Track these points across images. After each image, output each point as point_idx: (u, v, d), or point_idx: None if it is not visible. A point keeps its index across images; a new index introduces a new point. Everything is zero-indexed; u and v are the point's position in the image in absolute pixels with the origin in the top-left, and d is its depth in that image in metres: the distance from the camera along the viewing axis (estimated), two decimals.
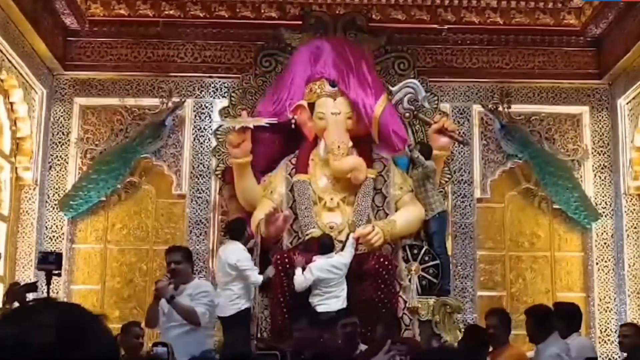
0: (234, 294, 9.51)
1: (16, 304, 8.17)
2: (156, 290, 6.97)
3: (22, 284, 8.45)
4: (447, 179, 11.74)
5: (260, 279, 9.61)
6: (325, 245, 9.95)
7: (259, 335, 9.88)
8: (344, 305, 9.50)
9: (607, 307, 11.92)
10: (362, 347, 8.36)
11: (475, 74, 12.53)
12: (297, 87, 11.12)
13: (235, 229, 10.08)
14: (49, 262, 6.41)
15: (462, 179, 12.16)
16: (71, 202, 11.92)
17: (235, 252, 9.70)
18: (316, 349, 7.00)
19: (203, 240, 11.83)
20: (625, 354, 7.90)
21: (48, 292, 6.54)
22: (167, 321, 7.00)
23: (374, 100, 10.92)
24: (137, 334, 8.00)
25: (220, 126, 11.72)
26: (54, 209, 11.97)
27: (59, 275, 6.60)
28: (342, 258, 9.85)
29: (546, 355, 6.66)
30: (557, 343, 6.76)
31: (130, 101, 12.34)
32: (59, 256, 6.52)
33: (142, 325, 7.81)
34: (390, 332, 7.18)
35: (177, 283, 6.99)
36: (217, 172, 11.73)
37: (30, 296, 8.82)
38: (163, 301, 7.09)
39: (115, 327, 9.56)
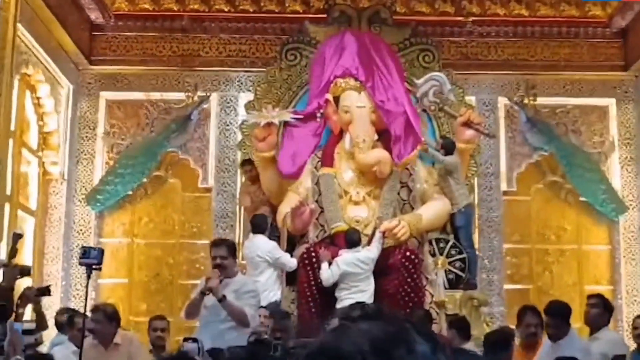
0: (263, 286, 9.63)
1: (29, 308, 8.25)
2: (209, 289, 6.90)
3: (35, 288, 8.50)
4: (473, 172, 11.71)
5: (294, 262, 9.97)
6: (352, 239, 9.96)
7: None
8: (371, 299, 9.50)
9: (635, 300, 11.87)
10: None
11: (501, 66, 12.50)
12: (324, 81, 11.10)
13: (258, 224, 10.31)
14: (91, 257, 6.45)
15: (488, 172, 12.14)
16: (98, 196, 12.00)
17: (264, 244, 10.02)
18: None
19: (229, 233, 11.84)
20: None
21: (87, 288, 6.57)
22: (209, 315, 6.93)
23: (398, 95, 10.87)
24: (158, 328, 8.11)
25: (245, 120, 11.74)
26: (81, 203, 12.05)
27: (100, 269, 6.63)
28: (370, 253, 9.85)
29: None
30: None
31: (155, 95, 12.40)
32: (100, 251, 6.55)
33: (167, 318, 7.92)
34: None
35: (222, 277, 6.95)
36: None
37: (44, 300, 8.92)
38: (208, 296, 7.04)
39: (142, 320, 9.72)
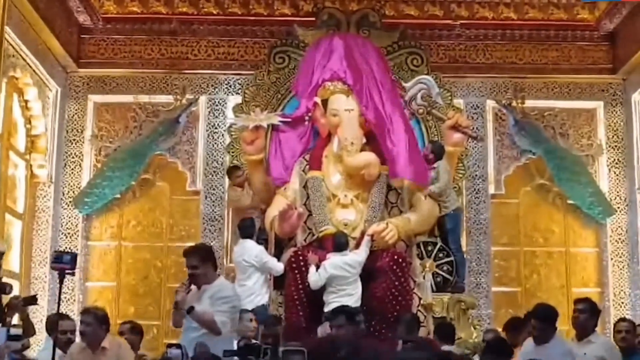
0: (250, 289, 9.76)
1: (16, 317, 8.23)
2: (175, 303, 6.86)
3: (22, 297, 8.48)
4: (461, 175, 11.72)
5: (281, 266, 9.99)
6: (339, 242, 9.96)
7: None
8: (358, 303, 9.49)
9: (622, 303, 11.90)
10: None
11: (489, 69, 12.53)
12: (312, 84, 11.10)
13: (246, 228, 10.31)
14: (63, 262, 6.39)
15: (476, 175, 12.16)
16: (86, 199, 11.98)
17: (251, 249, 10.03)
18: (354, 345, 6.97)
19: (218, 236, 11.87)
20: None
21: (60, 292, 6.52)
22: (187, 322, 6.91)
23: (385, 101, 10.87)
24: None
25: (233, 123, 11.73)
26: (68, 206, 12.04)
27: (73, 274, 6.58)
28: (357, 256, 9.84)
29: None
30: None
31: (144, 98, 12.39)
32: (73, 256, 6.47)
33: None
34: (410, 332, 7.16)
35: (199, 284, 6.89)
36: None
37: (30, 309, 8.90)
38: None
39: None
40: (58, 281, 6.44)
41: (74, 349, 6.87)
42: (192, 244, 10.34)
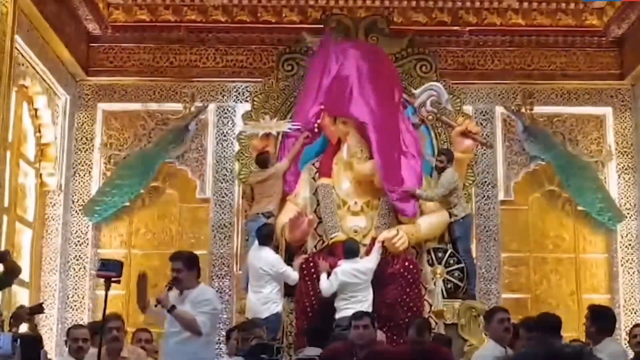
0: (266, 298, 9.77)
1: (24, 327, 8.22)
2: (157, 300, 6.91)
3: (28, 307, 8.48)
4: (470, 182, 11.71)
5: (297, 275, 9.95)
6: (351, 249, 9.95)
7: (284, 338, 9.96)
8: (369, 309, 9.47)
9: (633, 309, 11.85)
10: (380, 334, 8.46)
11: (498, 75, 12.51)
12: (321, 90, 11.13)
13: (264, 235, 10.19)
14: (109, 270, 6.38)
15: (485, 181, 12.14)
16: (95, 208, 11.98)
17: (268, 258, 9.97)
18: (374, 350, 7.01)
19: (227, 244, 11.85)
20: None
21: (106, 300, 6.48)
22: (169, 327, 6.98)
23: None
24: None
25: (242, 131, 11.75)
26: (78, 214, 12.03)
27: (119, 282, 6.55)
28: (368, 263, 9.85)
29: None
30: None
31: (153, 106, 12.39)
32: (119, 264, 6.47)
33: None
34: (422, 336, 7.16)
35: (182, 289, 6.97)
36: (240, 176, 11.73)
37: (37, 317, 8.89)
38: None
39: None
40: (105, 290, 6.39)
41: (90, 358, 6.86)
42: (203, 251, 10.47)
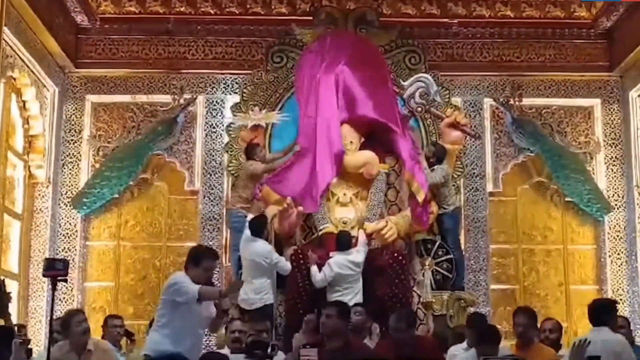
0: (259, 289, 9.79)
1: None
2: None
3: None
4: (459, 173, 11.73)
5: (289, 266, 9.95)
6: (344, 241, 9.96)
7: (274, 329, 9.96)
8: (360, 300, 9.51)
9: (620, 299, 11.88)
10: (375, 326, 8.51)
11: (486, 67, 12.54)
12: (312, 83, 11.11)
13: (257, 226, 10.18)
14: (56, 269, 6.35)
15: (474, 173, 12.17)
16: (84, 200, 11.96)
17: (260, 248, 9.98)
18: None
19: (216, 236, 11.85)
20: None
21: (53, 298, 6.49)
22: (189, 327, 6.70)
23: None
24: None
25: (231, 123, 11.75)
26: (67, 206, 12.02)
27: (65, 281, 6.53)
28: (359, 255, 9.86)
29: None
30: None
31: (142, 98, 12.38)
32: (65, 263, 6.43)
33: None
34: (399, 323, 7.16)
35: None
36: (229, 168, 11.73)
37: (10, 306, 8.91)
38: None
39: (129, 323, 9.70)
40: (51, 289, 6.39)
41: (57, 352, 6.73)
42: (192, 243, 10.44)
